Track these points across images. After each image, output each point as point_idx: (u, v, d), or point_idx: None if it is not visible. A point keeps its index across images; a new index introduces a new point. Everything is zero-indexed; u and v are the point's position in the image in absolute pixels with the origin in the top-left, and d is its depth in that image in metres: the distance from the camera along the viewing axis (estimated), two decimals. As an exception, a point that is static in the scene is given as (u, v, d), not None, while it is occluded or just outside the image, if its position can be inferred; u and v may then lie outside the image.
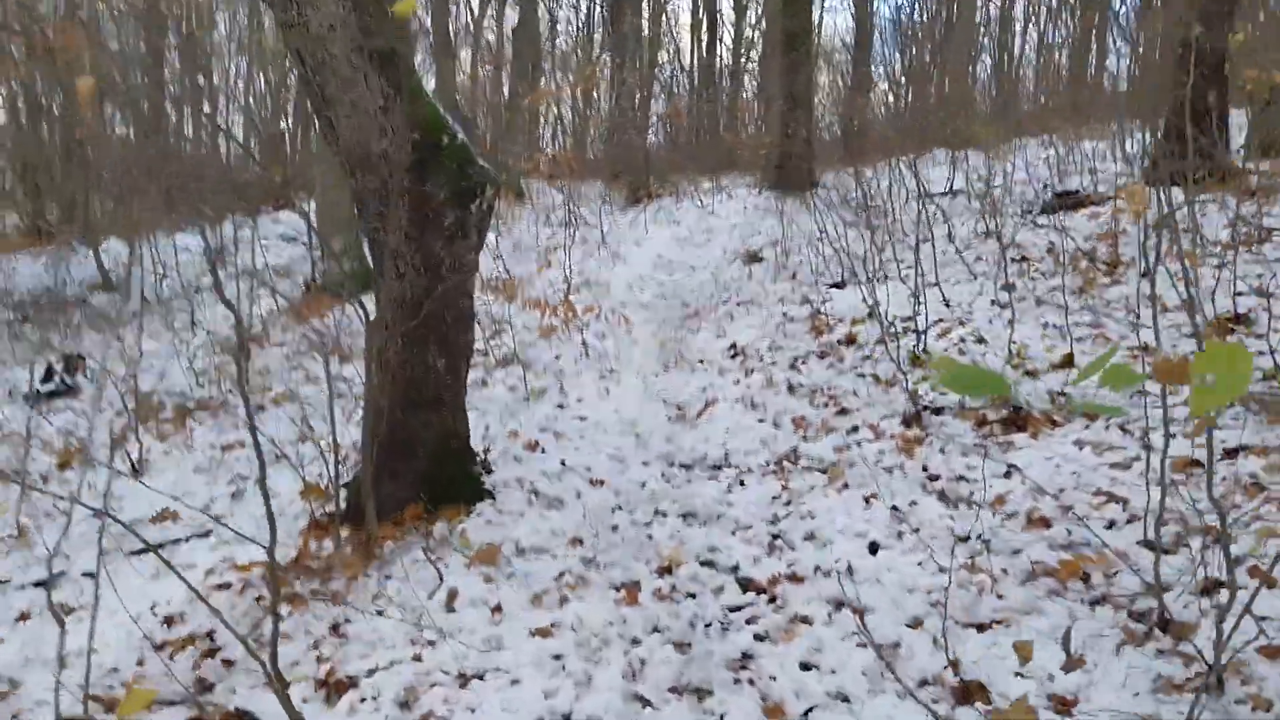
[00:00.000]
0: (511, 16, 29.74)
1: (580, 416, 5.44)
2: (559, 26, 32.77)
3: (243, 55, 22.85)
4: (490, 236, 12.19)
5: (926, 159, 14.60)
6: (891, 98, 28.22)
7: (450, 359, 4.29)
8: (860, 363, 5.86)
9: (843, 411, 5.05)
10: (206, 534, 4.61)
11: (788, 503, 4.10)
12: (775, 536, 3.77)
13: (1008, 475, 4.01)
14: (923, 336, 5.76)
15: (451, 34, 30.77)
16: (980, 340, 5.64)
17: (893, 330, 6.12)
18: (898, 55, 29.29)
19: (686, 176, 18.11)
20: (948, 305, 6.60)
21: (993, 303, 6.40)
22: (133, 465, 5.67)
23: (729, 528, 3.90)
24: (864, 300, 6.83)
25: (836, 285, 7.95)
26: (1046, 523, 3.49)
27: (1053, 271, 6.85)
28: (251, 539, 2.93)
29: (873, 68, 27.95)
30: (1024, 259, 7.46)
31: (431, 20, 17.93)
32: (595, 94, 23.05)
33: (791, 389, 5.57)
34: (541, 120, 29.32)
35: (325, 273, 10.62)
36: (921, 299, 5.92)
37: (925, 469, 4.21)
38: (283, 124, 23.20)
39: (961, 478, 4.05)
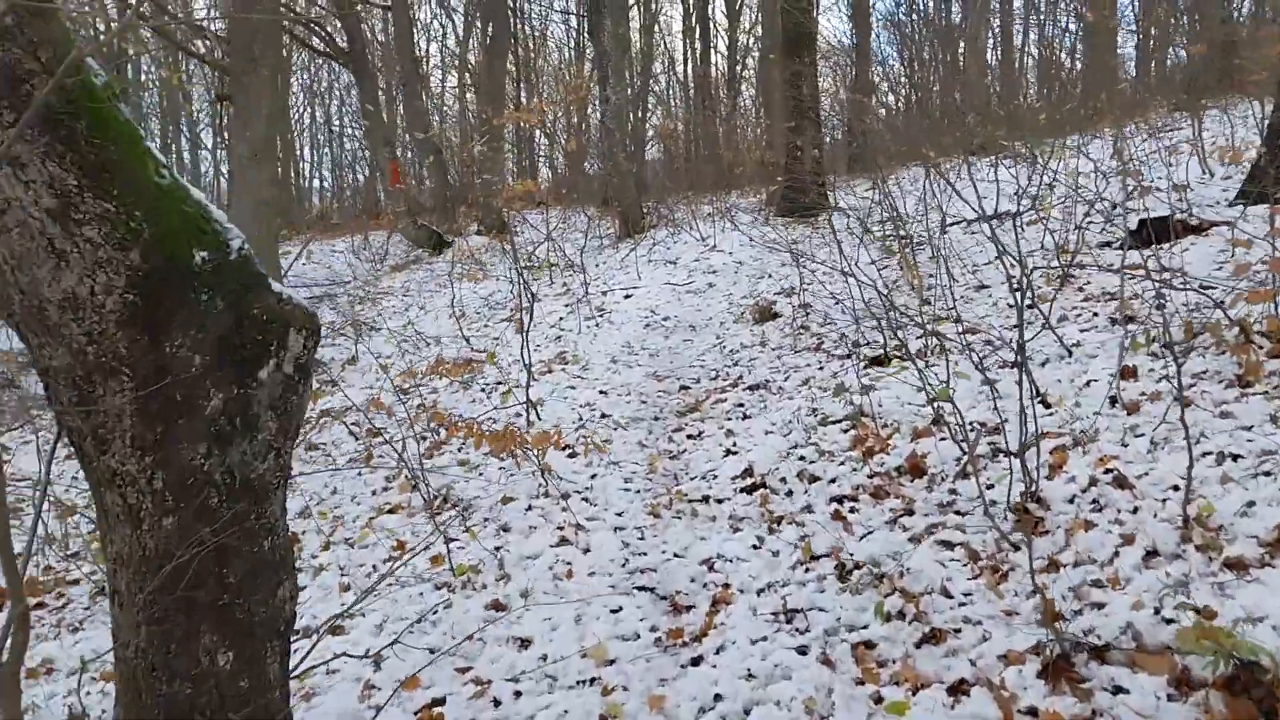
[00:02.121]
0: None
1: (521, 639, 3.45)
2: (550, 43, 31.02)
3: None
4: (458, 290, 10.25)
5: (949, 168, 12.54)
6: (892, 98, 26.22)
7: (244, 645, 2.32)
8: (939, 514, 3.86)
9: (933, 636, 3.05)
10: None
11: None
12: None
13: None
14: (1028, 469, 3.75)
15: (440, 56, 28.93)
16: (1122, 484, 3.62)
17: (979, 454, 4.14)
18: (896, 54, 27.38)
19: (684, 198, 16.16)
20: (1045, 404, 4.59)
21: (1113, 401, 4.39)
22: None
23: None
24: (922, 390, 4.85)
25: (877, 361, 5.95)
26: None
27: (1184, 345, 4.84)
28: None
29: (873, 68, 26.02)
30: (1130, 319, 5.46)
31: (396, 43, 16.04)
32: (589, 112, 21.11)
33: (843, 573, 3.58)
34: (535, 143, 27.51)
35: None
36: (1027, 401, 3.90)
37: (1118, 819, 2.21)
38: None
39: None
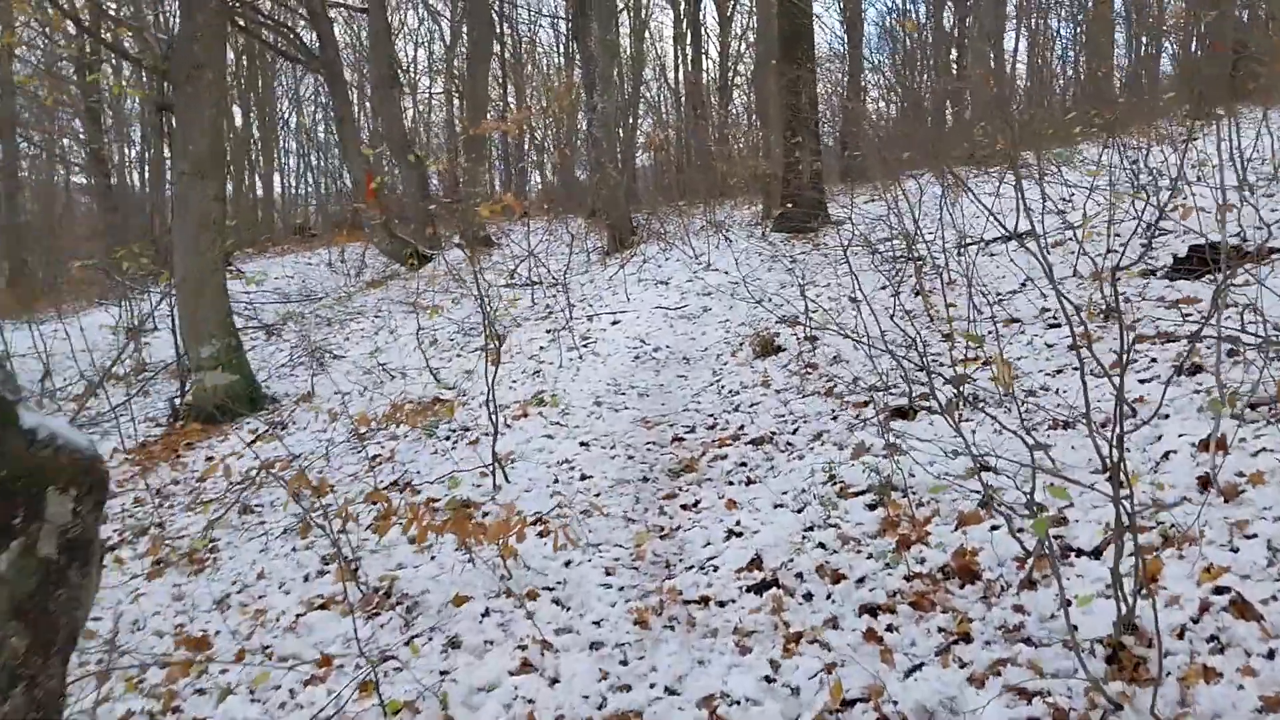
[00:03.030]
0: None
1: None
2: (539, 49, 30.23)
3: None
4: (422, 320, 9.37)
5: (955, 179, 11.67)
6: (883, 104, 25.55)
7: None
8: (1005, 643, 3.00)
9: None
10: None
11: None
12: None
13: None
14: (1121, 584, 2.88)
15: (428, 63, 28.02)
16: (1243, 611, 2.78)
17: (1045, 548, 3.28)
18: (888, 60, 26.71)
19: (675, 209, 15.35)
20: (1122, 483, 3.73)
21: (1204, 484, 3.54)
22: None
23: None
24: (964, 454, 4.03)
25: (900, 412, 5.10)
26: None
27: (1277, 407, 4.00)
28: None
29: (865, 74, 25.31)
30: (1196, 369, 4.63)
31: (372, 48, 15.16)
32: (578, 120, 20.26)
33: (886, 732, 2.72)
34: (525, 151, 26.77)
35: (195, 388, 7.79)
36: (1097, 481, 3.04)
37: None
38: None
39: None
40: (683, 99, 25.87)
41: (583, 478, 5.11)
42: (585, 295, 10.16)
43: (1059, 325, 5.78)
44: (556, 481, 5.06)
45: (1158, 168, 8.19)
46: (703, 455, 5.28)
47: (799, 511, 4.25)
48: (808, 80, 11.56)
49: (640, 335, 8.16)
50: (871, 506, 4.12)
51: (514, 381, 7.29)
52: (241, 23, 12.74)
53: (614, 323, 8.68)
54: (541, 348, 8.17)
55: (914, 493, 4.07)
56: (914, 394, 5.14)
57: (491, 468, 5.02)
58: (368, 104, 24.38)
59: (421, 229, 14.96)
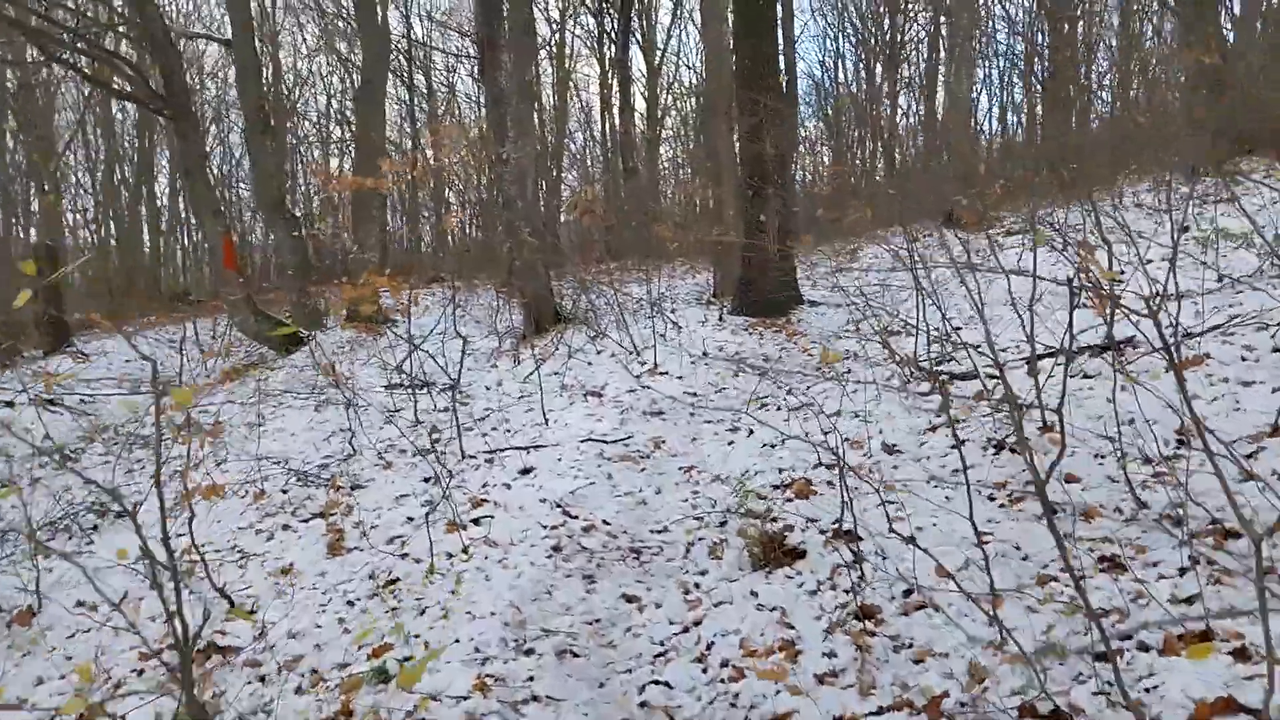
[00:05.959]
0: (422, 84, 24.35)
1: None
2: (459, 96, 27.38)
3: None
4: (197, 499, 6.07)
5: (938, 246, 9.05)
6: (810, 160, 23.48)
7: None
8: None
9: None
10: None
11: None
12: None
13: None
14: None
15: (339, 111, 24.78)
16: None
17: None
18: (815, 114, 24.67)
19: (607, 276, 12.52)
20: None
21: None
22: None
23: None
24: None
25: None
26: None
27: None
28: None
29: (801, 126, 23.18)
30: None
31: (239, 88, 12.06)
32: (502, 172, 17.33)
33: None
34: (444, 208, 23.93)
35: None
36: None
37: None
38: None
39: None
40: (610, 150, 23.33)
41: None
42: (488, 409, 7.14)
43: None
44: None
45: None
46: None
47: None
48: (775, 127, 8.82)
49: (563, 498, 5.14)
50: None
51: (350, 599, 4.22)
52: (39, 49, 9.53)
53: (524, 470, 5.66)
54: (411, 518, 5.10)
55: None
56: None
57: None
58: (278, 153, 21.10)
59: (299, 303, 11.80)
